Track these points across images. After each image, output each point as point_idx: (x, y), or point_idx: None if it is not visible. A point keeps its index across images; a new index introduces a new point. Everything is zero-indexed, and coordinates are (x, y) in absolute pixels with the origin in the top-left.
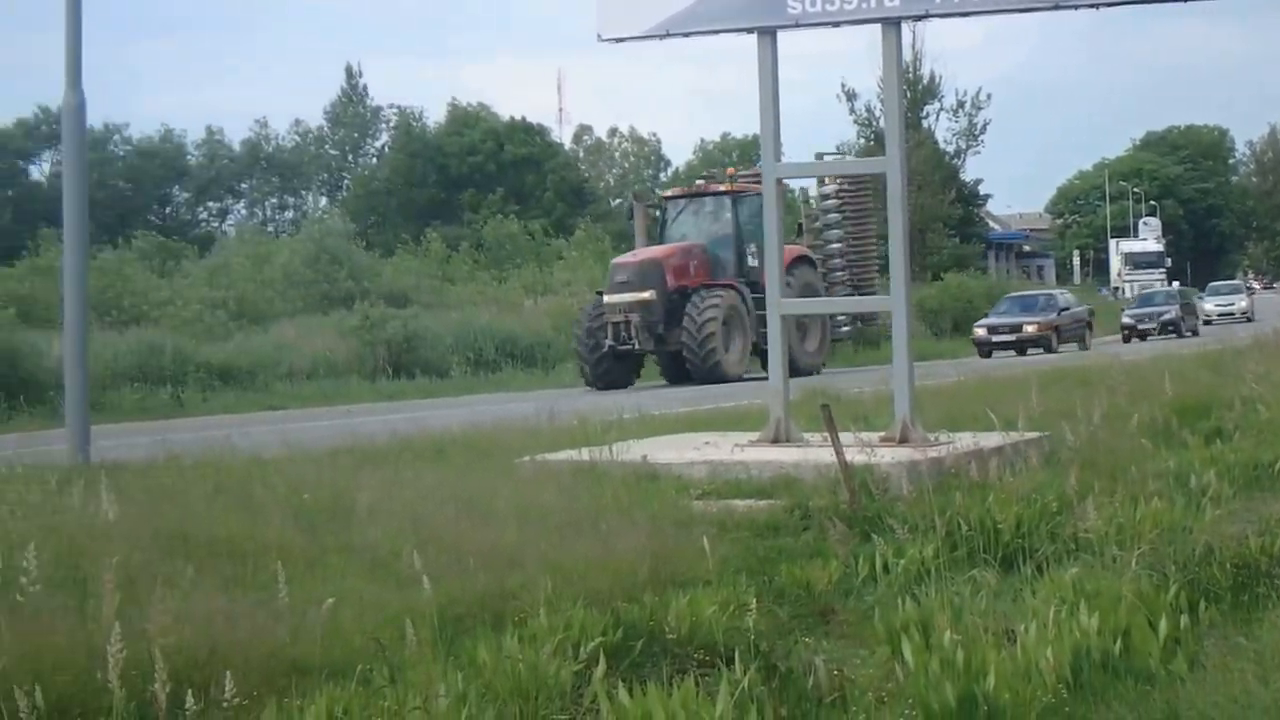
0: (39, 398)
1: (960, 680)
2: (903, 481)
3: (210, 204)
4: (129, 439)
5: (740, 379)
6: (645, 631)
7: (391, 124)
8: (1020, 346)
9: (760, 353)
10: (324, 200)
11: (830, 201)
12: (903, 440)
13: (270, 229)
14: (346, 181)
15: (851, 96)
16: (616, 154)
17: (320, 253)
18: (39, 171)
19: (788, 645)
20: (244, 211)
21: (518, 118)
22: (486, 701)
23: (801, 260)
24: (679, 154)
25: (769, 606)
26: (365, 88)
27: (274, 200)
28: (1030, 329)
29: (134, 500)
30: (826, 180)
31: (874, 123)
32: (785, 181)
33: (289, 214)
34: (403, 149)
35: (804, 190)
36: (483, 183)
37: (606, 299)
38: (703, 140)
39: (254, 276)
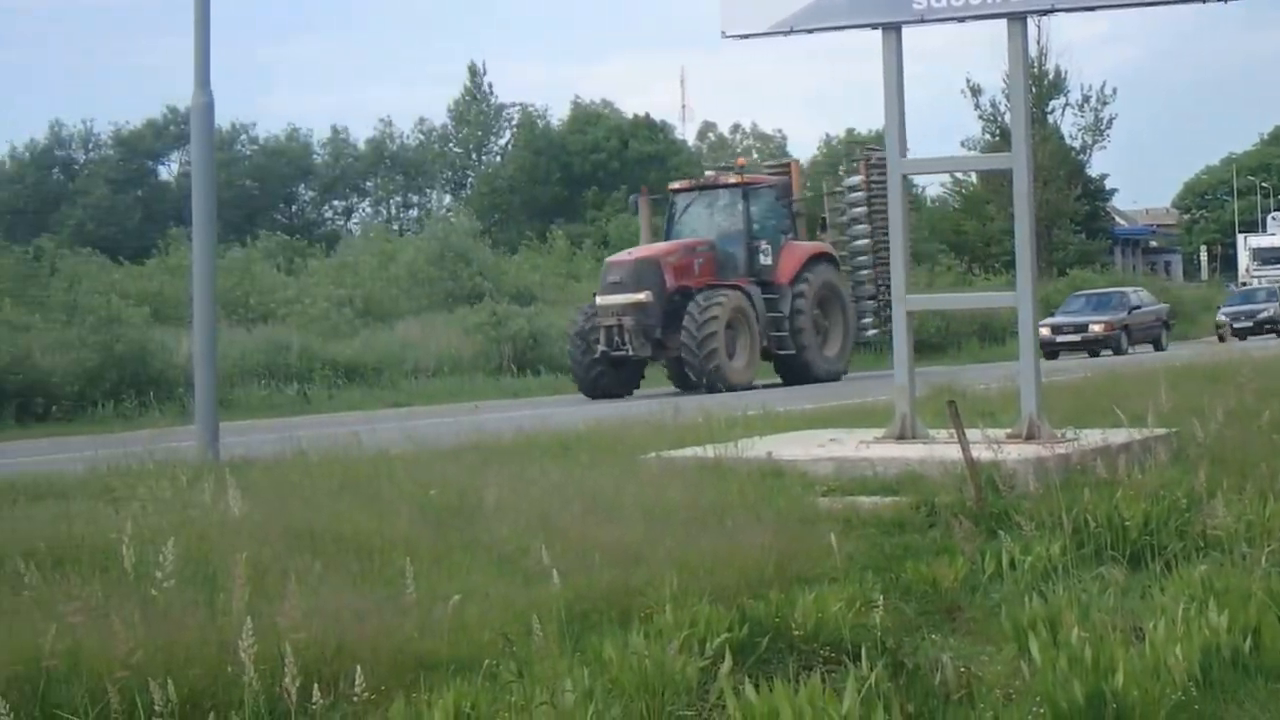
0: (169, 395)
1: (1088, 678)
2: (1029, 478)
3: (335, 202)
4: (257, 436)
5: (749, 387)
6: (771, 628)
7: (515, 122)
8: (1087, 347)
9: (775, 358)
10: (448, 198)
11: (857, 194)
12: (1029, 437)
13: (395, 227)
14: (470, 179)
15: (976, 92)
16: (740, 150)
17: (445, 250)
18: (167, 171)
19: (914, 642)
20: (369, 210)
21: (640, 115)
22: (613, 697)
23: (821, 258)
24: (804, 150)
25: (895, 603)
26: (490, 86)
27: (398, 199)
28: (1097, 329)
29: (262, 496)
30: (852, 169)
31: (998, 118)
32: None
33: (413, 212)
34: (526, 147)
35: (829, 180)
36: (606, 180)
37: (599, 301)
38: (828, 135)
39: (379, 274)
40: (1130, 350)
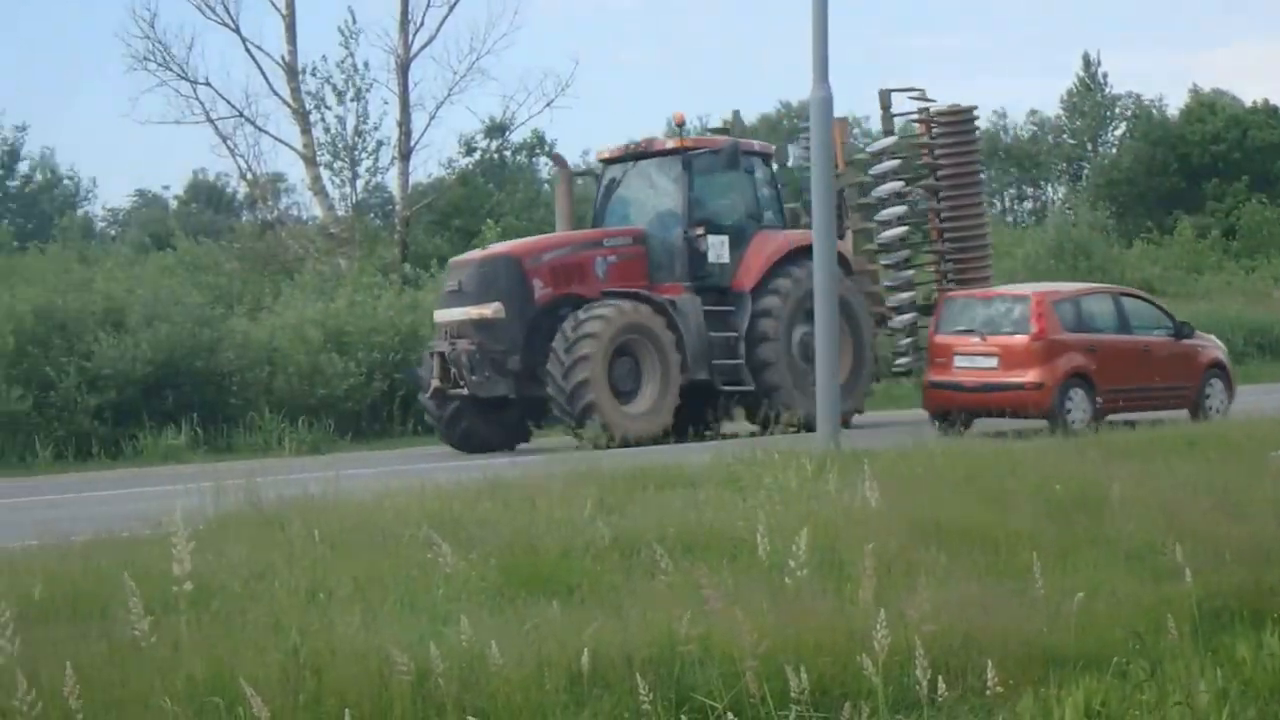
0: None
1: None
2: None
3: None
4: (875, 427)
5: (662, 439)
6: None
7: (1129, 113)
8: None
9: (745, 399)
10: (1062, 190)
11: (889, 163)
12: None
13: (1009, 219)
14: (1085, 171)
15: None
16: None
17: (1064, 243)
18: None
19: None
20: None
21: (1260, 102)
22: (1247, 699)
23: (803, 254)
24: None
25: None
26: (1104, 76)
27: (1012, 191)
28: None
29: (886, 487)
30: (905, 126)
31: None
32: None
33: (1027, 204)
34: (1143, 137)
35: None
36: (1226, 171)
37: (435, 316)
38: None
39: (995, 267)
40: None
